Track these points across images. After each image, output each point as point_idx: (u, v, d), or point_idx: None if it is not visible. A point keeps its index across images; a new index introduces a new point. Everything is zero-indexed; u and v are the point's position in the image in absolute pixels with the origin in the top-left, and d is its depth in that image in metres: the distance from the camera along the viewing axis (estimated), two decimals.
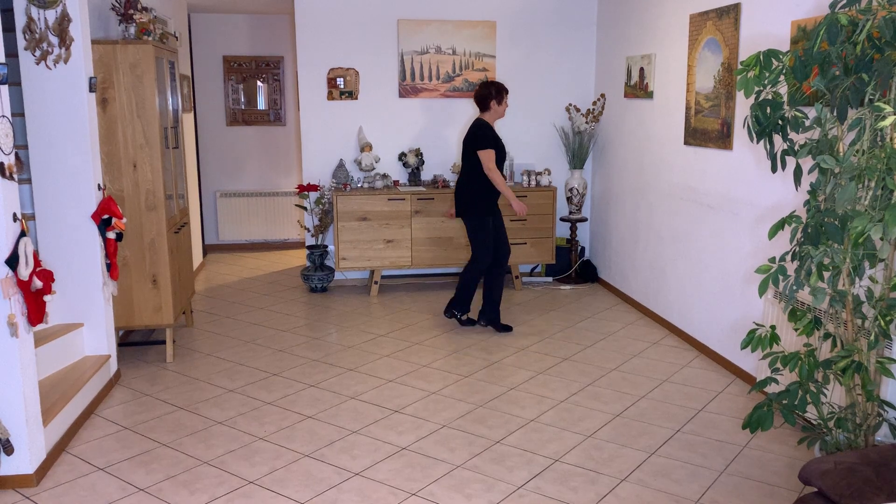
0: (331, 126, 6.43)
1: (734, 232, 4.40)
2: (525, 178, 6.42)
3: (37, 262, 3.14)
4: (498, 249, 5.19)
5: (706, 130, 4.68)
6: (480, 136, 4.96)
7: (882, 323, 2.53)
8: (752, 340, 2.76)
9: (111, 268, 4.17)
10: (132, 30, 4.45)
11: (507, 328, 5.27)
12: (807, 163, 3.29)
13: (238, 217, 8.07)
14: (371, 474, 3.26)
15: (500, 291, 5.26)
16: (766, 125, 2.67)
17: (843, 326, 2.68)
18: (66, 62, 3.83)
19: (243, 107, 8.03)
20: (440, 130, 6.56)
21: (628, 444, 3.55)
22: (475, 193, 5.05)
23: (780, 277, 2.60)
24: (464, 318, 5.33)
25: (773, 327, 2.79)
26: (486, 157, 4.92)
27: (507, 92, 5.07)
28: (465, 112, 6.55)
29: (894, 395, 2.90)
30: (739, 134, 4.32)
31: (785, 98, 2.74)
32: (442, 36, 6.41)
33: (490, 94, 5.01)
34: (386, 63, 6.42)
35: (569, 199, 6.60)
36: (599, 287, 6.55)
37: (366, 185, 6.30)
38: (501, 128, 6.57)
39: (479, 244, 5.14)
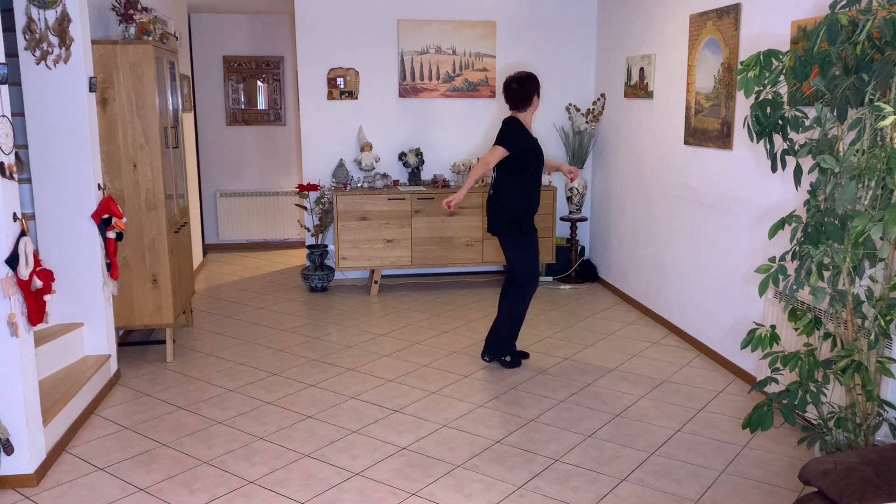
0: (331, 126, 6.43)
1: (734, 232, 4.40)
2: None
3: (37, 262, 3.14)
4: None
5: (706, 130, 4.68)
6: (504, 134, 4.27)
7: (882, 322, 2.53)
8: (752, 340, 2.76)
9: (111, 267, 4.17)
10: (132, 30, 4.45)
11: (516, 362, 4.57)
12: (807, 162, 3.29)
13: (238, 217, 8.07)
14: (371, 474, 3.26)
15: (521, 320, 4.53)
16: (766, 125, 2.67)
17: (843, 326, 2.68)
18: (66, 62, 3.83)
19: (243, 107, 8.03)
20: (440, 130, 6.56)
21: (628, 444, 3.55)
22: (511, 207, 4.34)
23: (780, 277, 2.60)
24: (508, 358, 4.57)
25: (773, 327, 2.79)
26: (491, 152, 4.27)
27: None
28: (466, 112, 6.55)
29: (894, 394, 2.90)
30: (739, 134, 4.32)
31: (785, 98, 2.74)
32: (442, 36, 6.41)
33: (534, 89, 4.30)
34: (386, 63, 6.42)
35: (569, 199, 6.60)
36: (599, 287, 6.55)
37: (366, 185, 6.30)
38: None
39: (523, 265, 4.38)
